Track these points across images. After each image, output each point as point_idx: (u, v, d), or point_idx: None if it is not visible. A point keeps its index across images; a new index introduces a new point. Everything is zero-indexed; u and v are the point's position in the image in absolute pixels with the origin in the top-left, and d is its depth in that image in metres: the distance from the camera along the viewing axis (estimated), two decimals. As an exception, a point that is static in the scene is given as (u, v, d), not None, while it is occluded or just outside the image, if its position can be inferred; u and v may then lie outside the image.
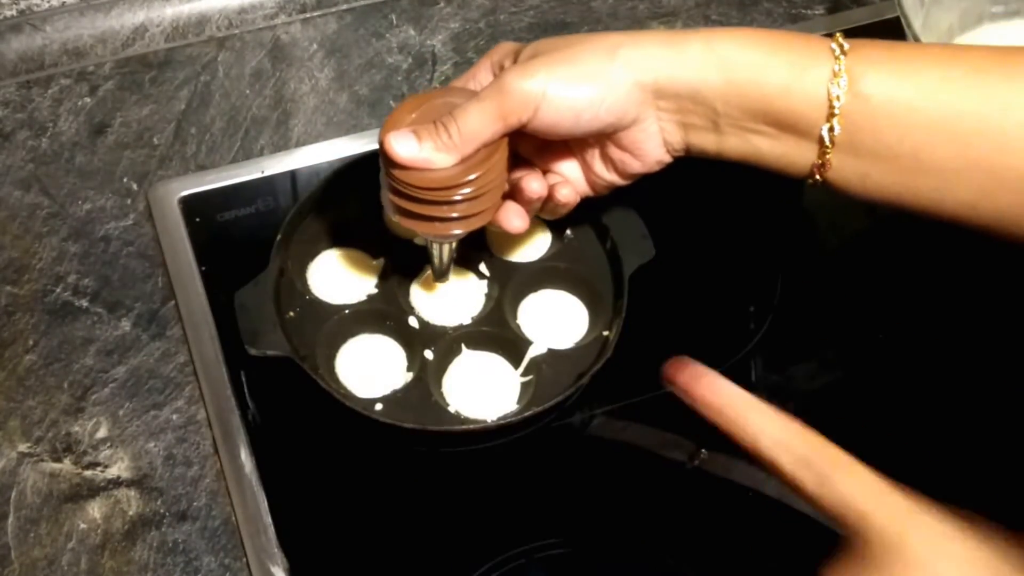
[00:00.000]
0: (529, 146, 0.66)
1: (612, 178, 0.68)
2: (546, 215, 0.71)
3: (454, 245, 0.70)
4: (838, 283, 0.84)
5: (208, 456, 0.73)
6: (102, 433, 0.74)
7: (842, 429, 0.70)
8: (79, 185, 0.86)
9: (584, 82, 0.60)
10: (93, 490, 0.71)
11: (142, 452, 0.73)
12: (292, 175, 0.86)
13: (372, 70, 0.94)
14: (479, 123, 0.62)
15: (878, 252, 0.84)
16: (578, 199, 0.68)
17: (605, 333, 0.74)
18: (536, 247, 0.78)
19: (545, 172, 0.69)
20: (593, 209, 0.74)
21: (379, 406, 0.70)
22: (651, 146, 0.65)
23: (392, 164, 0.63)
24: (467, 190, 0.63)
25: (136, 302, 0.80)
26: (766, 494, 0.71)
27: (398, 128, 0.63)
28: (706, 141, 0.63)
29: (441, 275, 0.72)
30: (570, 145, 0.67)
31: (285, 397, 0.73)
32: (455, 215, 0.64)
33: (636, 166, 0.66)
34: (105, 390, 0.76)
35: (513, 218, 0.67)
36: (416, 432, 0.69)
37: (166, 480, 0.72)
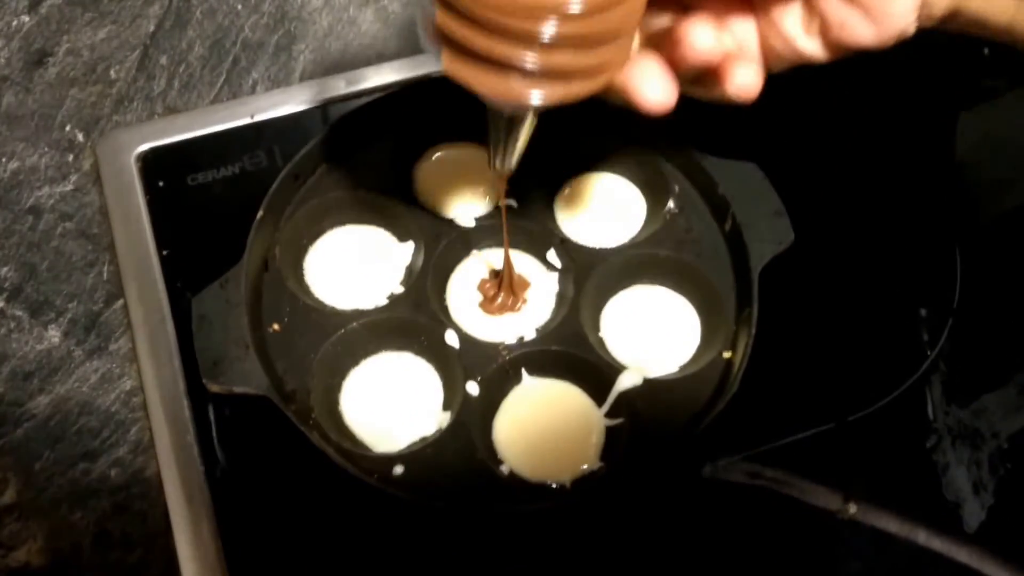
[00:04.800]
0: None
1: (809, 48, 0.50)
2: (703, 97, 0.51)
3: (532, 122, 0.52)
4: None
5: (157, 534, 0.64)
6: (8, 497, 0.66)
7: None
8: (5, 135, 0.78)
9: None
10: (-9, 584, 0.62)
11: (64, 527, 0.65)
12: (293, 121, 0.77)
13: (408, -21, 0.87)
14: None
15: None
16: (760, 87, 0.49)
17: (726, 355, 0.64)
18: (626, 224, 0.69)
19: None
20: (705, 170, 0.67)
21: (399, 468, 0.60)
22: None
23: None
24: (575, 10, 0.42)
25: (70, 302, 0.72)
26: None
27: None
28: (994, 4, 0.47)
29: (502, 164, 0.55)
30: None
31: (268, 446, 0.63)
32: (547, 65, 0.43)
33: (864, 34, 0.48)
34: (17, 432, 0.67)
35: (651, 83, 0.47)
36: (453, 510, 0.59)
37: (96, 569, 0.64)
